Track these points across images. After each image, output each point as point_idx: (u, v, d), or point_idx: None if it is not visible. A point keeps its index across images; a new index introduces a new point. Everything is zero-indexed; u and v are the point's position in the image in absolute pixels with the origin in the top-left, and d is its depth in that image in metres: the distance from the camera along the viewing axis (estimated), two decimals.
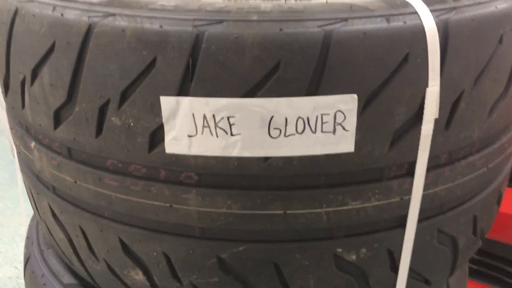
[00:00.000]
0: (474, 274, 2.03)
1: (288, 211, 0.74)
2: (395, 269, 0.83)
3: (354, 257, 0.79)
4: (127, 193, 0.77)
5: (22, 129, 0.91)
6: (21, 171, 1.04)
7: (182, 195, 0.74)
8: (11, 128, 0.97)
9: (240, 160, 0.71)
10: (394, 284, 0.85)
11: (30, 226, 1.24)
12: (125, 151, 0.74)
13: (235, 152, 0.69)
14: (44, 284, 1.04)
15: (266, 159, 0.70)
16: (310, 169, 0.71)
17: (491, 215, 0.96)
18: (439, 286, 1.00)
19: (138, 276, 0.85)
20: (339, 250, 0.78)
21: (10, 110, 0.95)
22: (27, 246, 1.18)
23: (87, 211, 0.85)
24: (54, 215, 0.92)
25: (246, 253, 0.78)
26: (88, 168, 0.80)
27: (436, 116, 0.71)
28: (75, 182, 0.82)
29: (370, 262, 0.81)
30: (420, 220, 0.80)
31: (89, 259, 0.90)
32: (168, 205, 0.76)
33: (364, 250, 0.79)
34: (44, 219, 0.97)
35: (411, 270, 0.85)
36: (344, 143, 0.70)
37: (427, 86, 0.69)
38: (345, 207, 0.74)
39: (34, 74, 0.77)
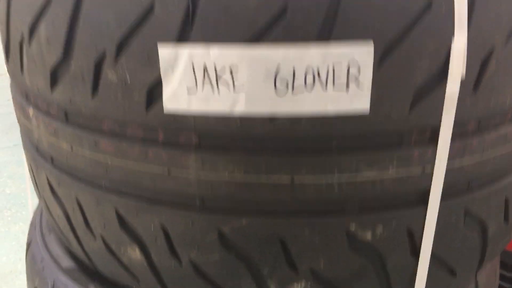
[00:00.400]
0: None
1: (295, 179, 0.67)
2: (415, 254, 0.75)
3: (369, 236, 0.71)
4: (123, 157, 0.72)
5: (22, 97, 0.87)
6: (23, 148, 1.00)
7: (181, 159, 0.68)
8: (13, 98, 0.94)
9: (244, 120, 0.64)
10: (415, 272, 0.76)
11: (34, 214, 1.20)
12: (121, 111, 0.69)
13: (238, 110, 0.63)
14: (43, 268, 0.99)
15: (272, 119, 0.64)
16: (320, 130, 0.64)
17: None
18: (466, 280, 0.90)
19: (135, 253, 0.79)
20: (353, 227, 0.70)
21: (12, 80, 0.91)
22: (30, 232, 1.13)
23: (83, 182, 0.79)
24: (52, 189, 0.87)
25: (249, 228, 0.71)
26: (84, 133, 0.75)
27: (463, 74, 0.64)
28: (72, 149, 0.77)
29: (388, 243, 0.73)
30: (445, 197, 0.72)
31: (85, 236, 0.84)
32: (166, 170, 0.70)
33: (380, 229, 0.71)
34: (43, 195, 0.93)
35: (434, 256, 0.76)
36: (358, 101, 0.63)
37: (452, 39, 0.62)
38: (359, 177, 0.67)
39: (32, 31, 0.73)
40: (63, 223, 0.89)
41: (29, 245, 1.09)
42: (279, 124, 0.64)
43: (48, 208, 0.94)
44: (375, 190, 0.68)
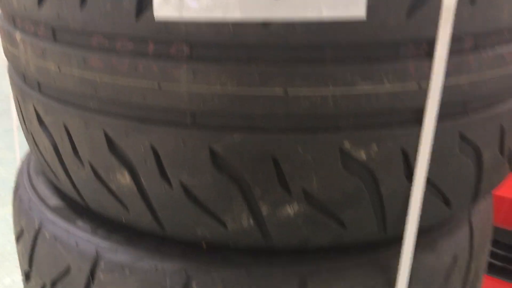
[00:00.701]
0: (499, 271, 1.93)
1: (289, 91, 0.65)
2: (410, 178, 0.74)
3: (363, 155, 0.70)
4: (113, 73, 0.70)
5: (9, 24, 0.85)
6: (11, 85, 0.98)
7: (172, 72, 0.66)
8: (1, 29, 0.91)
9: (237, 26, 0.63)
10: (408, 196, 0.75)
11: (22, 162, 1.18)
12: (111, 22, 0.67)
13: (231, 15, 0.62)
14: (30, 208, 0.97)
15: (265, 25, 0.62)
16: (315, 37, 0.63)
17: None
18: (460, 214, 0.89)
19: (124, 178, 0.77)
20: (347, 145, 0.69)
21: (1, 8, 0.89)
22: (17, 178, 1.11)
23: (71, 106, 0.77)
24: (39, 119, 0.85)
25: (241, 146, 0.69)
26: (72, 50, 0.73)
27: None
28: (59, 70, 0.75)
29: (382, 163, 0.71)
30: (440, 118, 0.70)
31: (74, 165, 0.82)
32: (156, 84, 0.68)
33: (375, 148, 0.70)
34: (31, 130, 0.90)
35: (428, 182, 0.75)
36: (354, 7, 0.61)
37: None
38: (354, 90, 0.66)
39: None
40: (50, 156, 0.87)
41: (16, 189, 1.07)
42: (273, 30, 0.62)
43: (35, 144, 0.92)
44: (370, 105, 0.67)
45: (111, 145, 0.75)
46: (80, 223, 0.90)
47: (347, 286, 0.80)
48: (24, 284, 1.10)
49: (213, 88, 0.66)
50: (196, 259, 0.81)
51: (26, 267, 0.99)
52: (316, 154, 0.69)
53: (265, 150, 0.69)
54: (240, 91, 0.66)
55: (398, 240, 0.80)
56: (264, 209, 0.73)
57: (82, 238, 0.87)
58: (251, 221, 0.74)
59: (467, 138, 0.75)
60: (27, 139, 0.98)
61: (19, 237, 1.01)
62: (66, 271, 0.88)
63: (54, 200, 0.97)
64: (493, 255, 1.94)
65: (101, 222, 0.90)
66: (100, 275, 0.84)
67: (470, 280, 0.96)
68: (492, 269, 1.96)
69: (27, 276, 1.02)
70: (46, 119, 0.83)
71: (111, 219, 0.88)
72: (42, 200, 0.98)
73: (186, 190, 0.74)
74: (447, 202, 0.80)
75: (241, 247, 0.80)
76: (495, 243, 1.93)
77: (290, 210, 0.73)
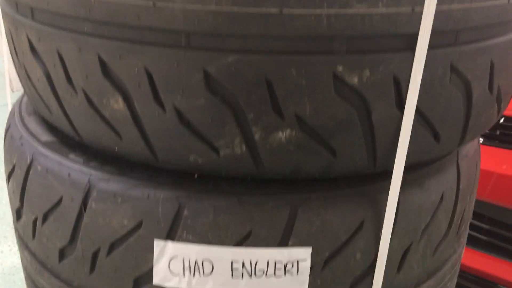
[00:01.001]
0: (484, 245, 1.96)
1: (284, 10, 0.66)
2: (401, 106, 0.75)
3: (356, 80, 0.71)
4: None
5: None
6: (2, 17, 0.97)
7: None
8: None
9: None
10: (399, 126, 0.76)
11: (13, 105, 1.17)
12: None
13: None
14: (22, 144, 0.97)
15: None
16: None
17: (510, 75, 0.87)
18: (449, 155, 0.91)
19: (117, 104, 0.77)
20: (340, 68, 0.70)
21: None
22: (9, 119, 1.11)
23: (65, 30, 0.77)
24: (32, 48, 0.85)
25: (235, 68, 0.70)
26: None
27: None
28: None
29: (374, 90, 0.72)
30: (432, 46, 0.71)
31: (67, 93, 0.82)
32: (151, 3, 0.68)
33: (367, 73, 0.71)
34: (23, 62, 0.90)
35: (418, 112, 0.76)
36: None
37: None
38: (348, 11, 0.66)
39: None
40: (43, 86, 0.86)
41: (7, 129, 1.07)
42: None
43: (28, 77, 0.91)
44: (364, 27, 0.68)
45: (105, 69, 0.75)
46: (72, 156, 0.90)
47: (337, 216, 0.81)
48: (14, 225, 1.11)
49: (208, 7, 0.66)
50: (188, 187, 0.82)
51: (17, 204, 1.00)
52: (309, 78, 0.70)
53: (259, 72, 0.70)
54: (235, 10, 0.66)
55: (387, 175, 0.81)
56: (257, 135, 0.74)
57: (74, 169, 0.87)
58: (244, 147, 0.75)
59: (457, 69, 0.76)
60: (19, 75, 0.98)
61: (10, 175, 1.01)
62: (58, 202, 0.88)
63: (46, 136, 0.97)
64: (478, 229, 1.98)
65: (94, 155, 0.90)
66: (92, 204, 0.84)
67: (455, 222, 0.99)
68: (477, 243, 1.99)
69: (18, 215, 1.03)
70: (39, 47, 0.83)
71: (103, 151, 0.88)
72: (34, 136, 0.98)
73: (179, 114, 0.74)
74: (436, 135, 0.81)
75: (233, 176, 0.81)
76: (479, 216, 1.96)
77: (282, 135, 0.74)
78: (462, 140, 0.87)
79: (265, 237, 0.80)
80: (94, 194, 0.84)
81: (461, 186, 0.97)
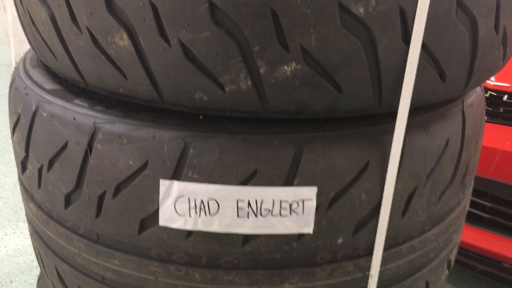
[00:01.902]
0: (487, 223, 1.96)
1: None
2: (407, 40, 0.75)
3: (361, 10, 0.71)
4: None
5: None
6: None
7: None
8: None
9: None
10: (405, 61, 0.76)
11: (17, 62, 1.17)
12: None
13: None
14: (27, 94, 0.97)
15: None
16: None
17: None
18: (454, 91, 0.89)
19: (122, 41, 0.77)
20: None
21: None
22: (13, 74, 1.11)
23: None
24: None
25: None
26: None
27: None
28: None
29: (379, 21, 0.72)
30: None
31: (71, 34, 0.82)
32: None
33: (373, 2, 0.70)
34: (27, 6, 0.90)
35: (424, 48, 0.76)
36: None
37: None
38: None
39: None
40: (48, 29, 0.86)
41: (12, 83, 1.07)
42: None
43: (32, 22, 0.91)
44: None
45: (110, 4, 0.75)
46: (77, 101, 0.91)
47: (342, 156, 0.81)
48: (19, 179, 1.11)
49: None
50: (193, 128, 0.82)
51: (22, 154, 1.00)
52: (315, 8, 0.69)
53: (264, 2, 0.69)
54: None
55: (392, 116, 0.81)
56: (262, 68, 0.74)
57: (80, 113, 0.87)
58: (249, 82, 0.75)
59: (464, 4, 0.76)
60: (23, 24, 0.98)
61: (15, 126, 1.02)
62: (64, 147, 0.88)
63: (50, 85, 0.98)
64: (481, 207, 1.97)
65: (99, 100, 0.90)
66: (97, 146, 0.84)
67: (461, 170, 0.98)
68: (481, 222, 1.98)
69: (23, 166, 1.03)
70: None
71: (109, 95, 0.88)
72: (38, 85, 0.98)
73: (184, 49, 0.74)
74: (442, 74, 0.81)
75: (238, 114, 0.81)
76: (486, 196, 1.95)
77: (288, 69, 0.74)
78: (467, 83, 0.87)
79: (270, 176, 0.80)
80: (99, 136, 0.84)
81: (466, 133, 0.96)
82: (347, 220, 0.85)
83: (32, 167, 0.98)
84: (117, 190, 0.85)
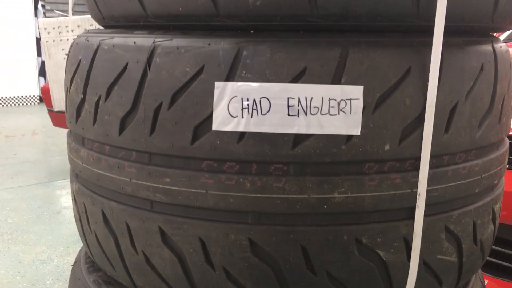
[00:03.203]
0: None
1: None
2: None
3: None
4: None
5: None
6: None
7: None
8: None
9: None
10: None
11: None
12: None
13: None
14: (88, 40, 1.07)
15: None
16: None
17: None
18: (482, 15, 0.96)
19: None
20: None
21: None
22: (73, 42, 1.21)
23: None
24: None
25: None
26: None
27: None
28: None
29: None
30: None
31: None
32: None
33: None
34: None
35: None
36: None
37: None
38: None
39: None
40: None
41: (71, 45, 1.17)
42: None
43: None
44: None
45: None
46: (137, 31, 0.99)
47: (385, 59, 0.87)
48: (70, 134, 1.16)
49: None
50: (246, 36, 0.89)
51: (79, 98, 1.06)
52: None
53: None
54: None
55: (430, 31, 0.88)
56: None
57: (140, 37, 0.95)
58: None
59: None
60: None
61: (75, 73, 1.09)
62: (123, 69, 0.95)
63: (110, 29, 1.07)
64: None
65: (157, 28, 0.99)
66: (156, 60, 0.91)
67: (497, 104, 1.02)
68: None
69: (78, 113, 1.08)
70: None
71: (166, 23, 0.97)
72: (99, 32, 1.07)
73: None
74: None
75: (288, 21, 0.88)
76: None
77: None
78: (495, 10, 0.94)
79: (319, 74, 0.85)
80: (158, 51, 0.91)
81: (498, 68, 1.02)
82: (393, 125, 0.88)
83: (88, 105, 1.04)
84: (173, 100, 0.90)
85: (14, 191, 4.13)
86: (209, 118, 0.88)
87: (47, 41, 3.09)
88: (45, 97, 4.41)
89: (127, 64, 0.94)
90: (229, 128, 0.87)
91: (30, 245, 3.06)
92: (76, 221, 1.22)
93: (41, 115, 7.53)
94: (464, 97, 0.94)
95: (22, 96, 8.64)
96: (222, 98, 0.87)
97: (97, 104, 1.01)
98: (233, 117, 0.87)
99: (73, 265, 1.30)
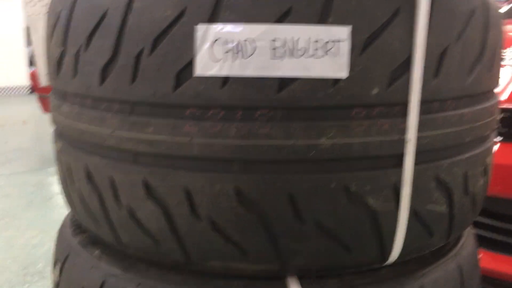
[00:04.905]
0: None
1: None
2: None
3: None
4: None
5: None
6: None
7: None
8: None
9: None
10: None
11: None
12: None
13: None
14: None
15: None
16: None
17: None
18: None
19: None
20: None
21: None
22: None
23: None
24: None
25: None
26: None
27: None
28: None
29: None
30: None
31: None
32: None
33: None
34: None
35: None
36: None
37: None
38: None
39: None
40: None
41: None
42: None
43: None
44: None
45: None
46: None
47: None
48: (52, 83, 1.13)
49: None
50: None
51: (59, 51, 1.03)
52: None
53: None
54: None
55: None
56: None
57: None
58: None
59: None
60: None
61: (53, 28, 1.06)
62: (103, 16, 0.92)
63: None
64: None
65: None
66: (137, 4, 0.88)
67: (488, 51, 1.00)
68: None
69: (58, 66, 1.05)
70: None
71: None
72: None
73: None
74: None
75: None
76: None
77: None
78: None
79: (304, 14, 0.83)
80: None
81: (490, 14, 0.99)
82: (381, 67, 0.86)
83: (69, 56, 1.01)
84: (154, 45, 0.87)
85: (6, 178, 4.14)
86: (192, 63, 0.85)
87: (32, 15, 3.04)
88: (34, 82, 4.37)
89: (107, 11, 0.91)
90: (212, 72, 0.84)
91: (22, 230, 3.07)
92: (61, 183, 1.19)
93: (32, 105, 7.47)
94: (455, 39, 0.91)
95: (12, 87, 8.57)
96: (205, 41, 0.84)
97: (77, 55, 0.98)
98: (217, 61, 0.84)
99: (59, 229, 1.27)
